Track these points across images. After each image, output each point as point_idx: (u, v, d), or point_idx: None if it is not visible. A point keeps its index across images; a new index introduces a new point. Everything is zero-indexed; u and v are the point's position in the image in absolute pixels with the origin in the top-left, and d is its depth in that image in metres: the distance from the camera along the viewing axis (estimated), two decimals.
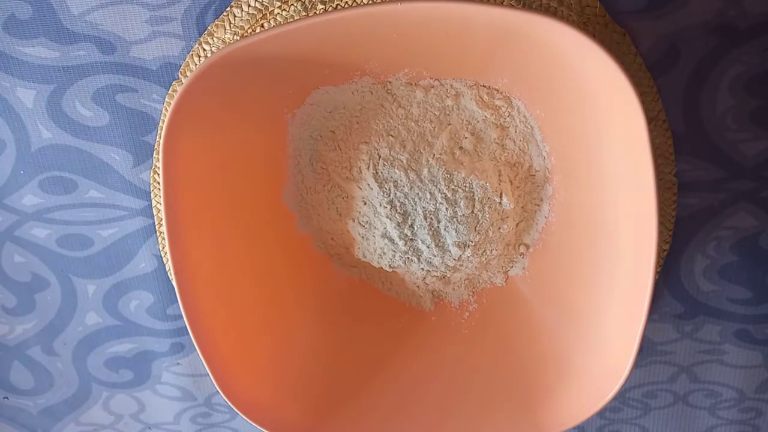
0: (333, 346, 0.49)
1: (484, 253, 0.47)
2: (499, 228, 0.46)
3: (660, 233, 0.47)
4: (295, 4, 0.43)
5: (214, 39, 0.45)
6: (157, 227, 0.51)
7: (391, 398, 0.49)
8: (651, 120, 0.44)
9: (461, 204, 0.44)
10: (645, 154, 0.37)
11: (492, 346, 0.49)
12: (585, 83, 0.39)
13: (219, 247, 0.45)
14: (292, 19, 0.44)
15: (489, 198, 0.45)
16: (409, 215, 0.45)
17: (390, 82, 0.44)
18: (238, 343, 0.45)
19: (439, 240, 0.45)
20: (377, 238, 0.46)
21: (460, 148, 0.45)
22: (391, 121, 0.44)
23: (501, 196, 0.45)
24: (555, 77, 0.40)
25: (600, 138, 0.41)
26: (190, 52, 0.46)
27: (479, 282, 0.50)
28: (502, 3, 0.42)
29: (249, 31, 0.44)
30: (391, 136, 0.44)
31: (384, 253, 0.47)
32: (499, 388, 0.47)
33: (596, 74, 0.37)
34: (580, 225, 0.45)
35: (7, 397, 0.60)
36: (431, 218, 0.45)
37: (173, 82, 0.47)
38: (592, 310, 0.44)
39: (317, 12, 0.43)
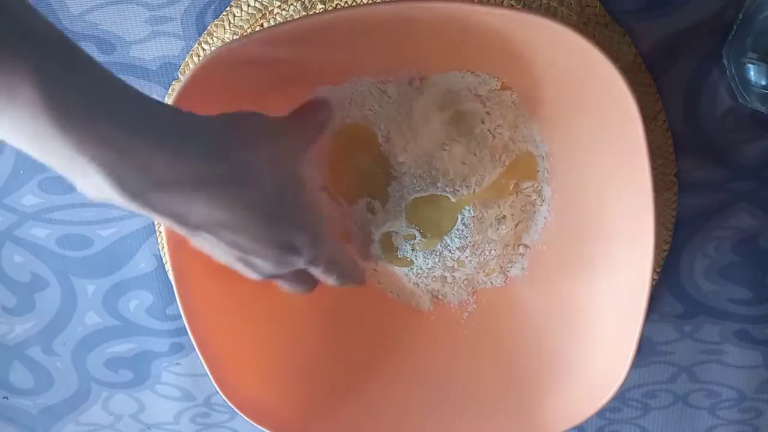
0: (332, 345, 0.49)
1: (483, 254, 0.47)
2: (498, 228, 0.46)
3: (660, 233, 0.47)
4: (295, 4, 0.43)
5: (214, 39, 0.45)
6: (156, 227, 0.51)
7: (390, 398, 0.49)
8: (651, 120, 0.44)
9: None
10: (641, 155, 0.37)
11: (491, 346, 0.49)
12: (583, 84, 0.39)
13: None
14: (291, 19, 0.44)
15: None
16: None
17: (390, 82, 0.44)
18: (237, 343, 0.45)
19: None
20: (377, 238, 0.46)
21: None
22: (392, 120, 0.44)
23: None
24: (555, 78, 0.40)
25: (598, 139, 0.41)
26: (190, 52, 0.46)
27: (478, 282, 0.50)
28: (501, 3, 0.42)
29: (248, 30, 0.44)
30: (392, 135, 0.44)
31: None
32: (498, 388, 0.47)
33: (593, 75, 0.37)
34: (578, 225, 0.44)
35: (7, 397, 0.60)
36: None
37: (173, 82, 0.47)
38: (590, 310, 0.44)
39: (317, 12, 0.43)
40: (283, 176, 0.33)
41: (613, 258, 0.42)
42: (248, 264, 0.33)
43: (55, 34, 0.26)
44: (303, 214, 0.34)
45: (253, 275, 0.34)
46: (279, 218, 0.32)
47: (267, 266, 0.34)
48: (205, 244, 0.32)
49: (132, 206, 0.27)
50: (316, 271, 0.38)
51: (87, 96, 0.25)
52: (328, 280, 0.39)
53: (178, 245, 0.42)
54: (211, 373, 0.44)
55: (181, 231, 0.30)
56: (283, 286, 0.39)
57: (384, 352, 0.50)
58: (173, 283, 0.43)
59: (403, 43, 0.40)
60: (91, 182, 0.26)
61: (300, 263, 0.35)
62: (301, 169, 0.35)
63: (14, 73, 0.23)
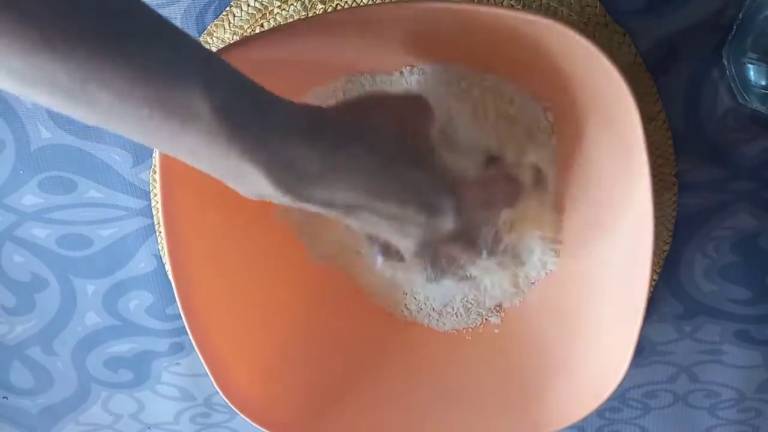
0: (333, 345, 0.49)
1: None
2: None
3: (660, 233, 0.47)
4: (295, 4, 0.43)
5: (214, 39, 0.45)
6: (156, 227, 0.51)
7: (390, 396, 0.49)
8: (651, 120, 0.44)
9: None
10: (641, 155, 0.36)
11: (490, 345, 0.49)
12: (583, 84, 0.39)
13: (217, 248, 0.45)
14: (291, 19, 0.44)
15: None
16: None
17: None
18: (237, 343, 0.45)
19: None
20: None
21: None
22: None
23: None
24: (555, 77, 0.40)
25: (598, 138, 0.41)
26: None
27: None
28: (502, 3, 0.42)
29: (248, 30, 0.44)
30: None
31: None
32: (497, 386, 0.47)
33: (593, 74, 0.37)
34: (577, 225, 0.44)
35: (6, 397, 0.60)
36: None
37: None
38: (589, 309, 0.43)
39: (317, 12, 0.43)
40: (414, 143, 0.35)
41: (612, 257, 0.42)
42: (405, 234, 0.35)
43: (210, 54, 0.30)
44: (440, 177, 0.36)
45: (413, 246, 0.36)
46: (419, 183, 0.35)
47: (419, 232, 0.35)
48: (364, 223, 0.34)
49: (287, 200, 0.31)
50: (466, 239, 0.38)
51: (249, 110, 0.29)
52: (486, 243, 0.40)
53: (177, 244, 0.42)
54: (212, 374, 0.44)
55: (337, 216, 0.34)
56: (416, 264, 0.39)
57: (384, 351, 0.50)
58: (172, 283, 0.43)
59: (402, 43, 0.40)
60: (253, 183, 0.30)
61: (448, 224, 0.36)
62: (431, 137, 0.37)
63: (193, 98, 0.28)
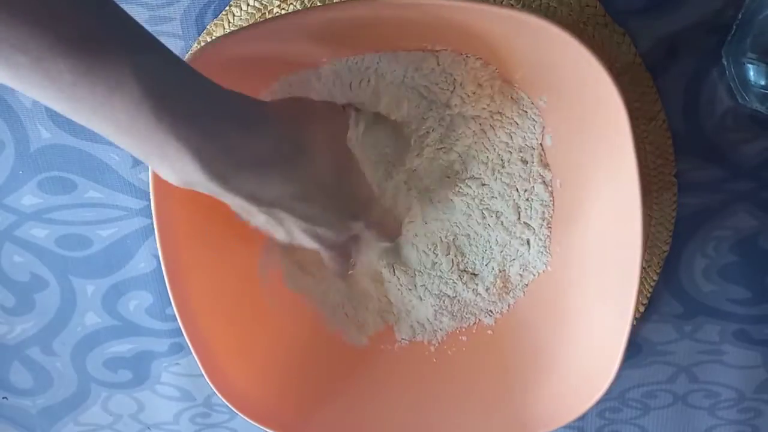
0: (330, 342, 0.49)
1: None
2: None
3: (659, 233, 0.47)
4: (294, 3, 0.43)
5: (213, 38, 0.45)
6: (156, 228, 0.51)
7: (388, 395, 0.49)
8: (651, 120, 0.44)
9: None
10: (629, 156, 0.36)
11: (484, 345, 0.49)
12: (575, 84, 0.39)
13: (212, 247, 0.45)
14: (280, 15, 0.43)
15: None
16: None
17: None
18: (233, 342, 0.45)
19: None
20: None
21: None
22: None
23: None
24: (548, 72, 0.40)
25: (589, 138, 0.40)
26: (190, 52, 0.46)
27: None
28: (501, 3, 0.42)
29: None
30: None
31: None
32: (491, 386, 0.47)
33: (583, 73, 0.37)
34: (569, 227, 0.44)
35: (6, 397, 0.60)
36: None
37: None
38: (582, 309, 0.43)
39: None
40: (339, 151, 0.36)
41: (604, 256, 0.42)
42: (315, 235, 0.36)
43: (145, 31, 0.29)
44: (357, 184, 0.38)
45: (318, 246, 0.37)
46: (341, 188, 0.36)
47: (332, 234, 0.37)
48: (274, 222, 0.35)
49: (213, 186, 0.30)
50: (370, 234, 0.41)
51: (180, 86, 0.28)
52: (380, 242, 0.43)
53: (171, 246, 0.42)
54: (206, 373, 0.43)
55: (254, 210, 0.33)
56: (332, 263, 0.42)
57: (381, 350, 0.50)
58: (167, 284, 0.42)
59: (399, 40, 0.40)
60: (180, 165, 0.28)
61: (358, 228, 0.38)
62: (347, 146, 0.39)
63: (119, 66, 0.26)
